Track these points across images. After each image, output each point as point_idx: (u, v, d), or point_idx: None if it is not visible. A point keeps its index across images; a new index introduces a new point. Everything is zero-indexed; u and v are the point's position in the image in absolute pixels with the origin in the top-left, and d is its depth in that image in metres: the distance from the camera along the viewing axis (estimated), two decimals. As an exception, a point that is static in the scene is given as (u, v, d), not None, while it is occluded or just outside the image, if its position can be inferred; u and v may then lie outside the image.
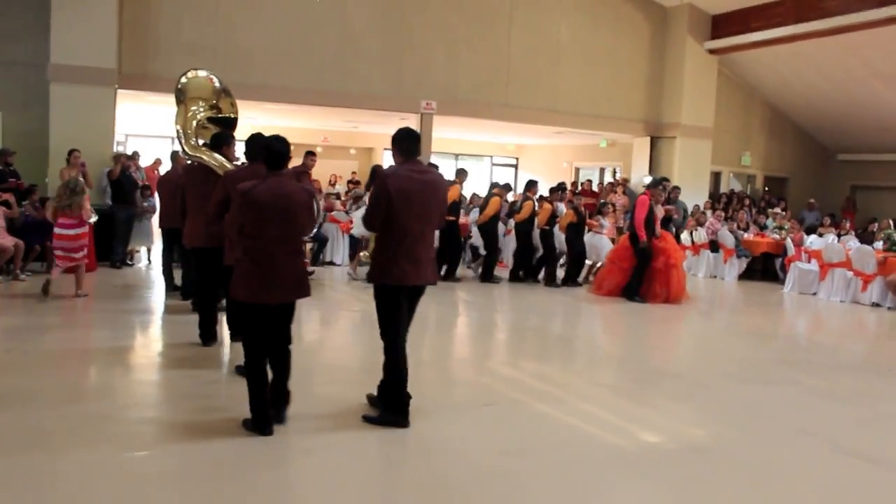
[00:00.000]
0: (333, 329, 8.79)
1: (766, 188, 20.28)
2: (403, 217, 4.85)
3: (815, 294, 12.82)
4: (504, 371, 7.02)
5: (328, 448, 4.68)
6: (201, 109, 7.49)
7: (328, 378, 6.27)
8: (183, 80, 7.43)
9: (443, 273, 11.91)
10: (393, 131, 5.14)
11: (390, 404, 5.07)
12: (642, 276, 11.18)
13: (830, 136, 20.25)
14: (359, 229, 11.93)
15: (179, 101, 7.42)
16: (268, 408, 4.78)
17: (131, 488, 3.96)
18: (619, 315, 10.36)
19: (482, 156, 26.02)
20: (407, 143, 5.02)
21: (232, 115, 7.56)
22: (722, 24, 17.59)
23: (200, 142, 7.17)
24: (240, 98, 7.88)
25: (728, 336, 9.76)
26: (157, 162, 18.40)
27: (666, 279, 11.11)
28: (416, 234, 4.92)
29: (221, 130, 7.10)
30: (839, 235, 14.61)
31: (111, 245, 11.66)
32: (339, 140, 23.70)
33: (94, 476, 4.09)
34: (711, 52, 17.80)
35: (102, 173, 12.00)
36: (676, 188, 11.78)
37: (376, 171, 11.92)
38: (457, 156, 24.72)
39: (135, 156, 15.27)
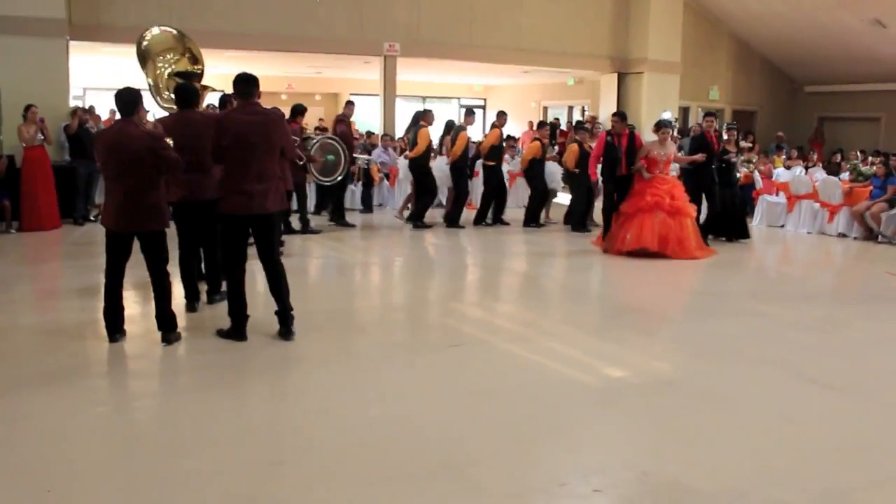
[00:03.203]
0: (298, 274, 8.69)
1: (735, 122, 20.24)
2: (238, 153, 5.39)
3: (782, 226, 12.89)
4: (471, 312, 7.00)
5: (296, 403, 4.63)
6: (173, 60, 7.70)
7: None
8: (144, 42, 7.62)
9: (490, 218, 12.23)
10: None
11: (233, 321, 5.58)
12: (608, 220, 10.35)
13: (797, 68, 20.18)
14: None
15: (145, 62, 7.62)
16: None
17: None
18: (588, 256, 10.30)
19: (450, 98, 25.72)
20: (243, 85, 5.55)
21: (199, 69, 7.79)
22: (686, -45, 17.32)
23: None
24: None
25: (695, 270, 9.75)
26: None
27: (630, 224, 9.74)
28: (251, 168, 5.41)
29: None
30: (807, 168, 14.66)
31: (73, 202, 11.42)
32: (304, 86, 23.27)
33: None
34: (677, -16, 17.57)
35: (60, 128, 11.66)
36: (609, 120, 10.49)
37: (417, 116, 11.77)
38: (424, 98, 24.40)
39: (91, 109, 14.94)
